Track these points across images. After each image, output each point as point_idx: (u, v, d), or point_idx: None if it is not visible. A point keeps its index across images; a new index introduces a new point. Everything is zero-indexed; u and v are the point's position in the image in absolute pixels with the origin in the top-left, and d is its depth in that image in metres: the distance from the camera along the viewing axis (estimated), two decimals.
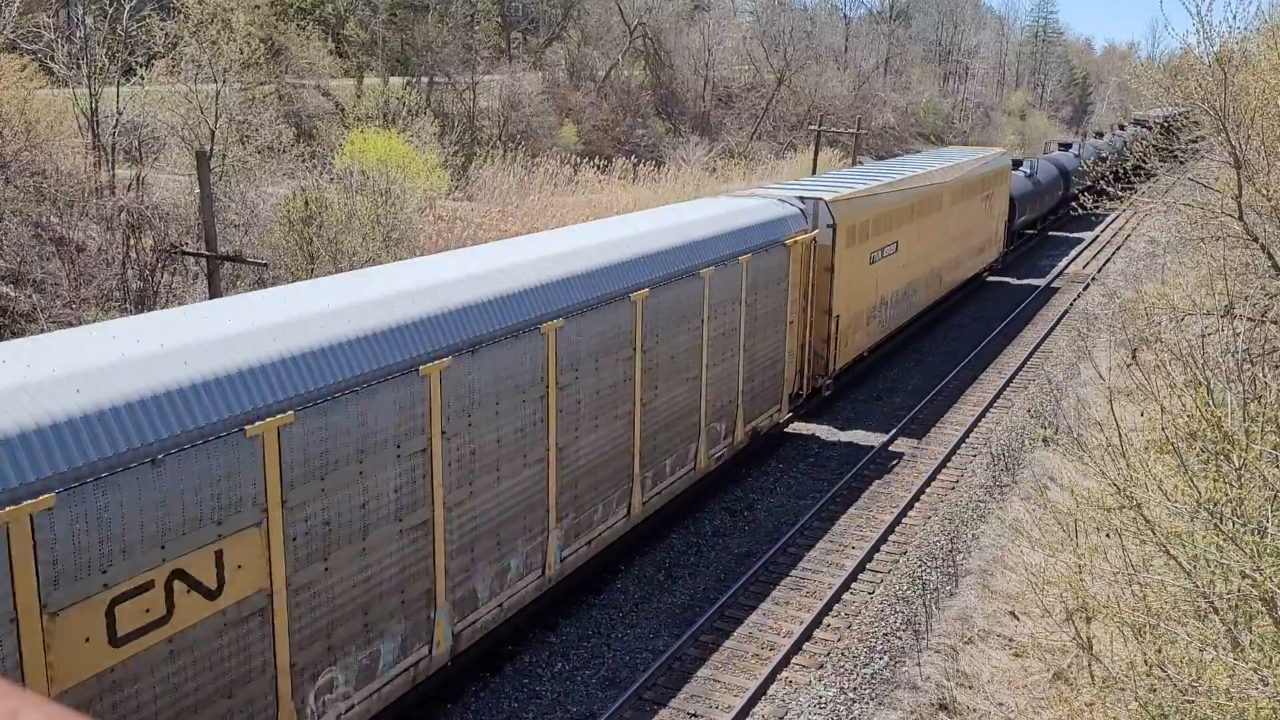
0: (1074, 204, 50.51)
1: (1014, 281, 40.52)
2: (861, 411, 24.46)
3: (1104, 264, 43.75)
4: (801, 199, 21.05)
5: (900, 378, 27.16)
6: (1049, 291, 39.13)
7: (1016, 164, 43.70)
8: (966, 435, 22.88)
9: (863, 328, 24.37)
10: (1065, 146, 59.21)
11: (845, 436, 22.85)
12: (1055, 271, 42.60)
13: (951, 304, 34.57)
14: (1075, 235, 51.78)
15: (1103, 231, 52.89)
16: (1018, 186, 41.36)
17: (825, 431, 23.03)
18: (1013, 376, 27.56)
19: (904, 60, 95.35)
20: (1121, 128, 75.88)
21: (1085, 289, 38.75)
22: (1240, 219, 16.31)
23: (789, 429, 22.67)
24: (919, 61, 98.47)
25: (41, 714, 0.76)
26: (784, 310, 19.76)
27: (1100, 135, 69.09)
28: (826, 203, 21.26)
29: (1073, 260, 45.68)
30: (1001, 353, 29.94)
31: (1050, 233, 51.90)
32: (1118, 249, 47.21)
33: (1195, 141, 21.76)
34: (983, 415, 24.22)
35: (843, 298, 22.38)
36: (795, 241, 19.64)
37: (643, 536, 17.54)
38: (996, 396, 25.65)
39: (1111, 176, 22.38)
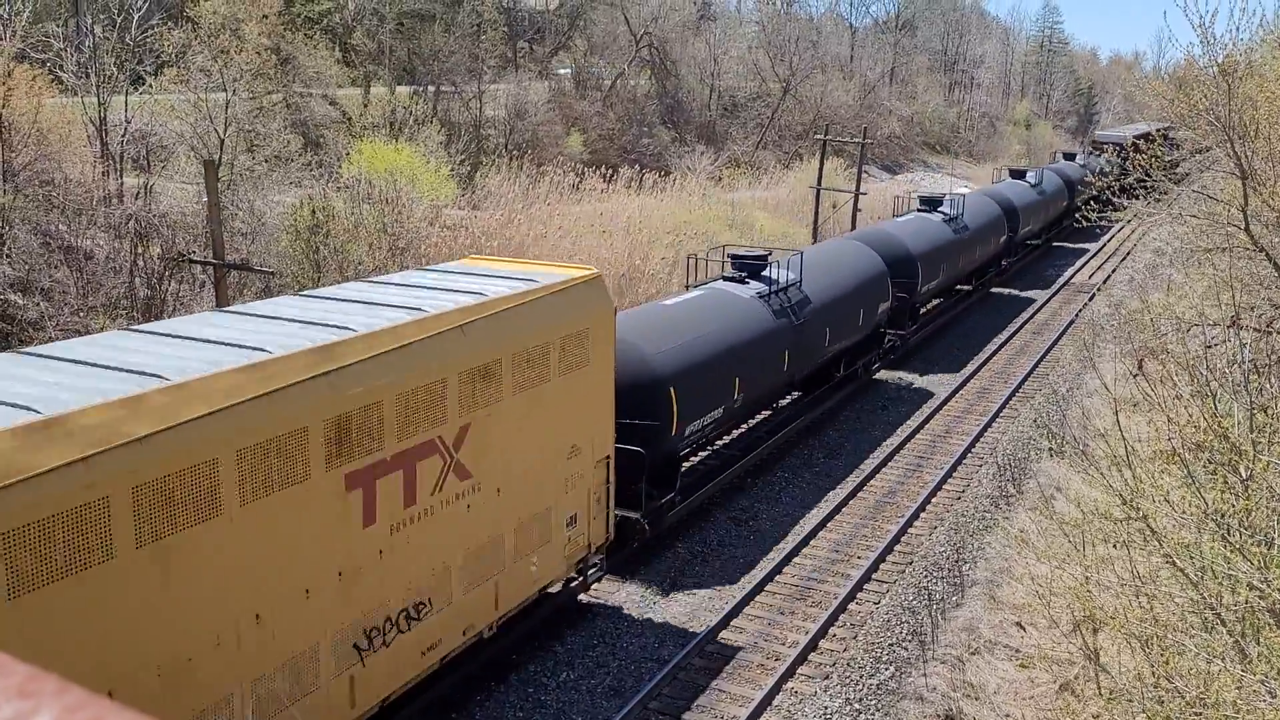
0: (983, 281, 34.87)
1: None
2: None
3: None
4: None
5: None
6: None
7: (751, 270, 21.37)
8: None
9: None
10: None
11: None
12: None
13: None
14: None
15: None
16: (697, 342, 17.80)
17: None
18: (1019, 386, 27.52)
19: (909, 70, 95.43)
20: (1069, 157, 63.37)
21: (1083, 307, 38.54)
22: (1246, 230, 16.31)
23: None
24: (924, 71, 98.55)
25: None
26: None
27: (1021, 174, 47.92)
28: None
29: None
30: None
31: (877, 371, 27.52)
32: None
33: (1196, 153, 21.72)
34: None
35: None
36: None
37: (648, 546, 17.55)
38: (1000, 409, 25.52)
39: (1115, 189, 22.36)
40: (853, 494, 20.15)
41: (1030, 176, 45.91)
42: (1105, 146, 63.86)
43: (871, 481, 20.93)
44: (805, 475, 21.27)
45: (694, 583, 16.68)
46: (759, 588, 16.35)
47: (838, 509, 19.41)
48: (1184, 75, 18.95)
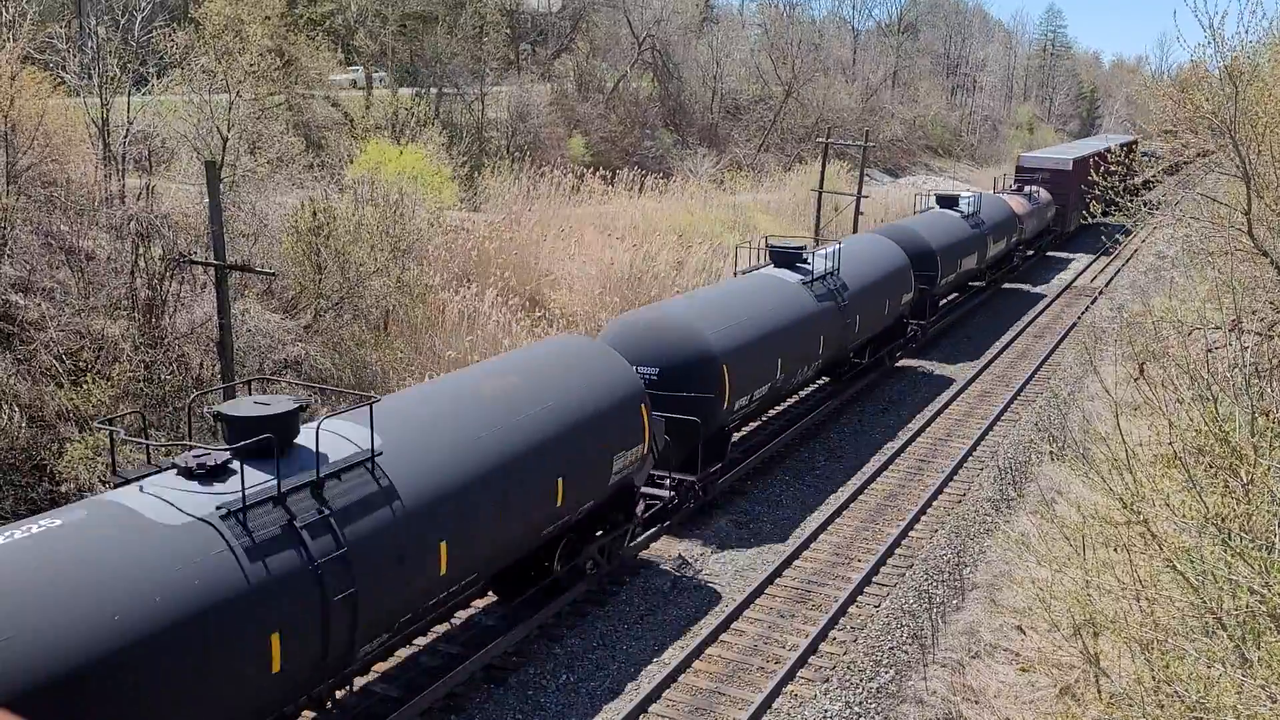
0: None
1: None
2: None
3: None
4: None
5: None
6: None
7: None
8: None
9: None
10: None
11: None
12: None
13: None
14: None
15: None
16: None
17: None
18: (1020, 389, 27.49)
19: (912, 73, 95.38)
20: (948, 203, 35.11)
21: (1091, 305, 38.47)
22: (1249, 233, 16.27)
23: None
24: (927, 74, 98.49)
25: None
26: None
27: (791, 257, 23.72)
28: None
29: None
30: None
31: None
32: None
33: (1201, 156, 21.61)
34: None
35: None
36: None
37: (648, 548, 17.53)
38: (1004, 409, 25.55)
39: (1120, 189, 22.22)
40: (854, 497, 20.13)
41: (820, 257, 23.97)
42: (1036, 175, 47.97)
43: (873, 484, 20.92)
44: (806, 479, 21.25)
45: (694, 585, 16.66)
46: (759, 590, 16.34)
47: (838, 512, 19.39)
48: (1187, 78, 18.92)
